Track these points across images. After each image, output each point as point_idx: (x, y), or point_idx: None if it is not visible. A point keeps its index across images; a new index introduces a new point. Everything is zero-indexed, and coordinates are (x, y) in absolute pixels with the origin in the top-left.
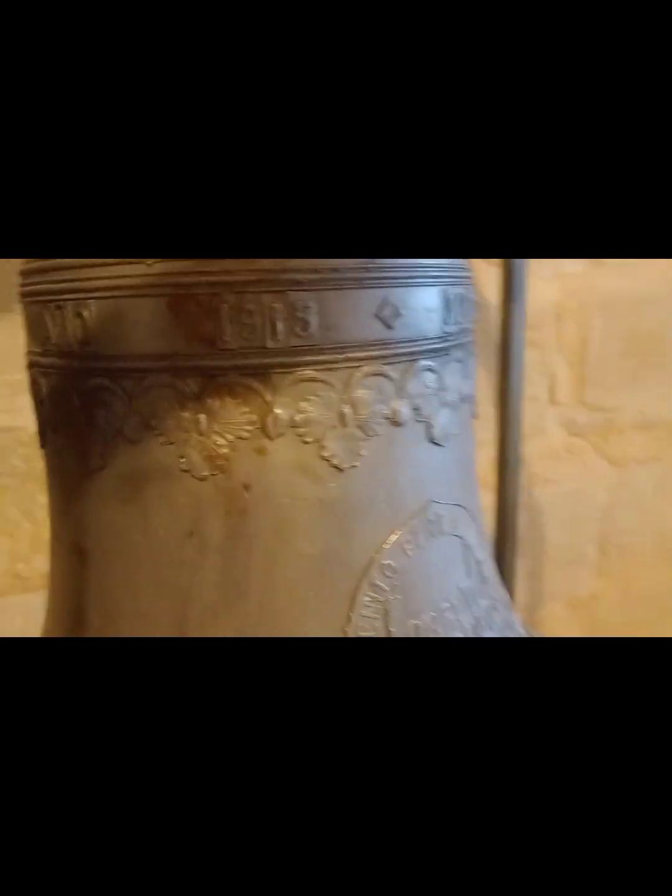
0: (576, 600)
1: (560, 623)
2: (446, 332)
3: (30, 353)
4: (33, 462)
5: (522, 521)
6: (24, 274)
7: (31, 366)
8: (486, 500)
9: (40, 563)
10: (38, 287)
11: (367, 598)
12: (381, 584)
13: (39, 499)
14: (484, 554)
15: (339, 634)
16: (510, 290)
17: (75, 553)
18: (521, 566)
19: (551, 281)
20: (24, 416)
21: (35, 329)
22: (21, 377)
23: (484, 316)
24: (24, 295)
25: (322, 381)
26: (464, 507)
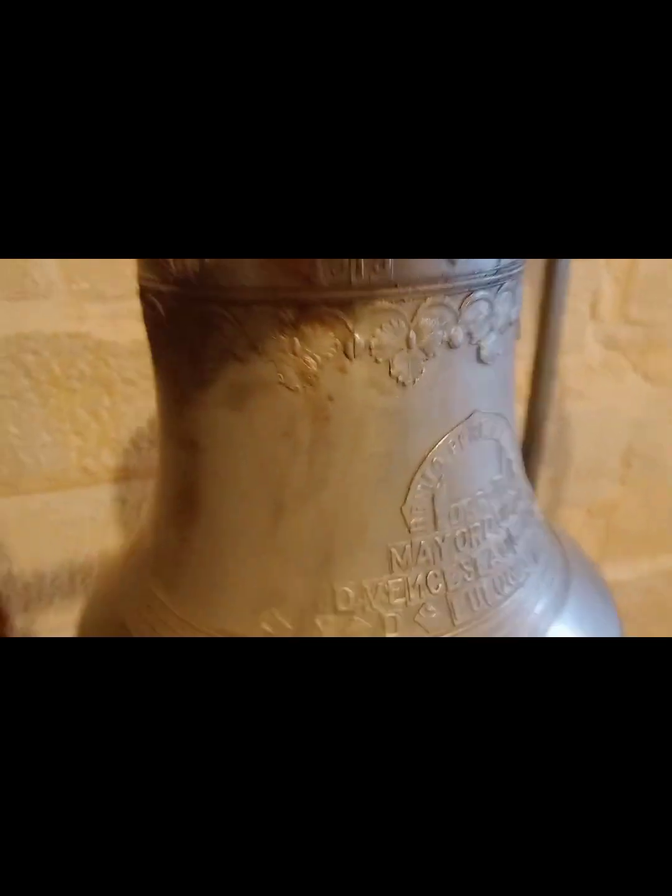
0: (595, 507)
1: (577, 527)
2: (500, 267)
3: (145, 279)
4: (99, 368)
5: (551, 432)
6: None
7: (147, 291)
8: (519, 410)
9: (107, 457)
10: None
11: (420, 487)
12: (431, 476)
13: (104, 400)
14: (515, 454)
15: (397, 514)
16: None
17: (189, 446)
18: (544, 473)
19: None
20: (90, 323)
21: (153, 262)
22: (88, 286)
23: None
24: None
25: (394, 311)
26: (502, 415)
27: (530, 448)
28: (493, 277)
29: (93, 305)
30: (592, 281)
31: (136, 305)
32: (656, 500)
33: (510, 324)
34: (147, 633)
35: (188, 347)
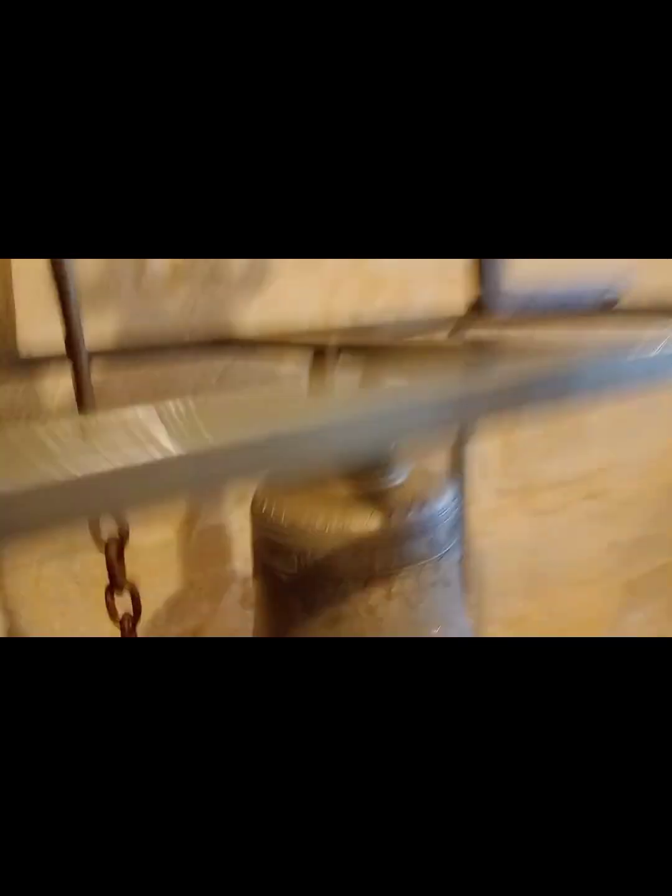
0: (508, 620)
1: (498, 631)
2: (450, 547)
3: (272, 564)
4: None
5: (469, 566)
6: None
7: (273, 570)
8: None
9: None
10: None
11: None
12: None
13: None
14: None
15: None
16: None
17: None
18: (469, 600)
19: None
20: None
21: (277, 554)
22: None
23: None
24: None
25: (407, 576)
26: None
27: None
28: (442, 557)
29: None
30: (477, 453)
31: None
32: (555, 608)
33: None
34: None
35: (300, 597)
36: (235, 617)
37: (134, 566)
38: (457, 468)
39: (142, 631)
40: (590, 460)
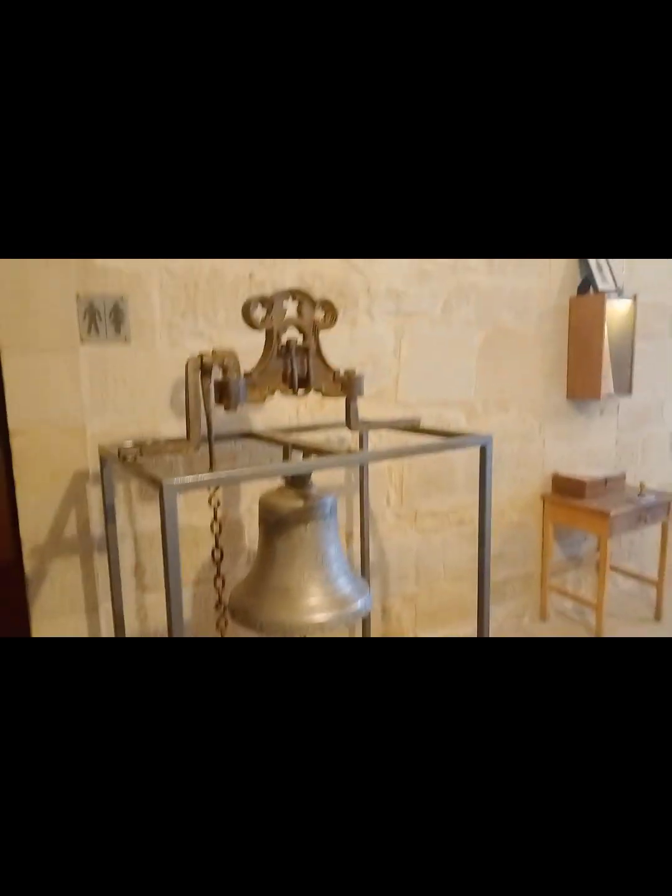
0: (406, 596)
1: (398, 608)
2: (328, 516)
3: (262, 518)
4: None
5: (377, 559)
6: None
7: (261, 523)
8: (358, 548)
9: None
10: None
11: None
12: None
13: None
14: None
15: (320, 567)
16: (365, 466)
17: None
18: (376, 581)
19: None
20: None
21: (268, 515)
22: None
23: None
24: None
25: (314, 522)
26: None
27: (365, 566)
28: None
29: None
30: (383, 491)
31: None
32: (436, 593)
33: (335, 522)
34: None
35: (275, 532)
36: (243, 569)
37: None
38: (364, 497)
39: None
40: (456, 500)
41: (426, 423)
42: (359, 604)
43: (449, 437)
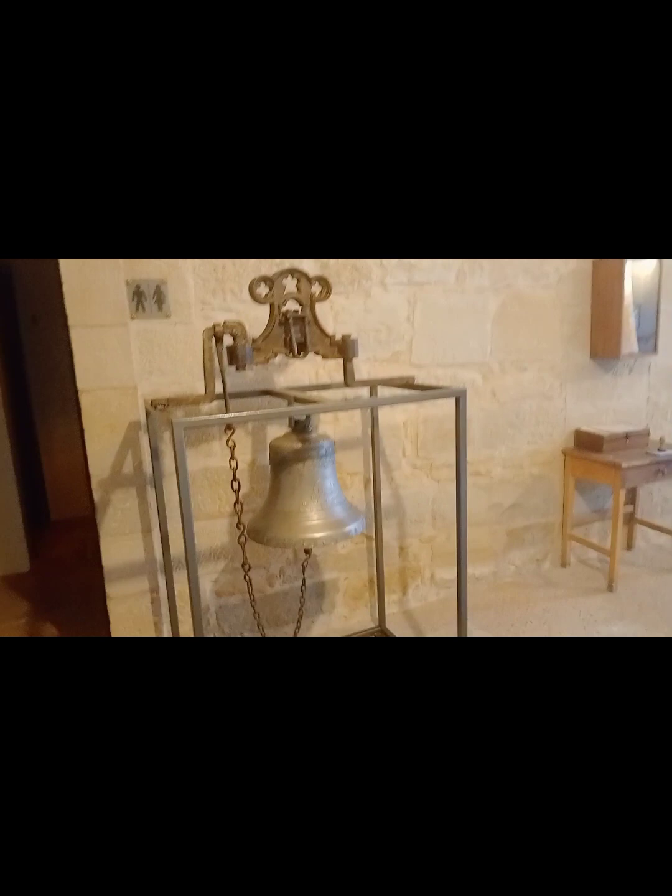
0: (423, 538)
1: (415, 548)
2: (327, 456)
3: (272, 457)
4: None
5: (394, 504)
6: None
7: (271, 460)
8: (370, 493)
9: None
10: None
11: (318, 492)
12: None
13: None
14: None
15: (318, 495)
16: (375, 419)
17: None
18: (392, 522)
19: (400, 412)
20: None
21: (276, 455)
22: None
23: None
24: None
25: (314, 459)
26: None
27: (377, 508)
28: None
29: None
30: (400, 444)
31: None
32: (452, 535)
33: (332, 461)
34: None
35: (282, 467)
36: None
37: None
38: (376, 446)
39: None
40: (475, 453)
41: (441, 382)
42: (350, 526)
43: (424, 390)
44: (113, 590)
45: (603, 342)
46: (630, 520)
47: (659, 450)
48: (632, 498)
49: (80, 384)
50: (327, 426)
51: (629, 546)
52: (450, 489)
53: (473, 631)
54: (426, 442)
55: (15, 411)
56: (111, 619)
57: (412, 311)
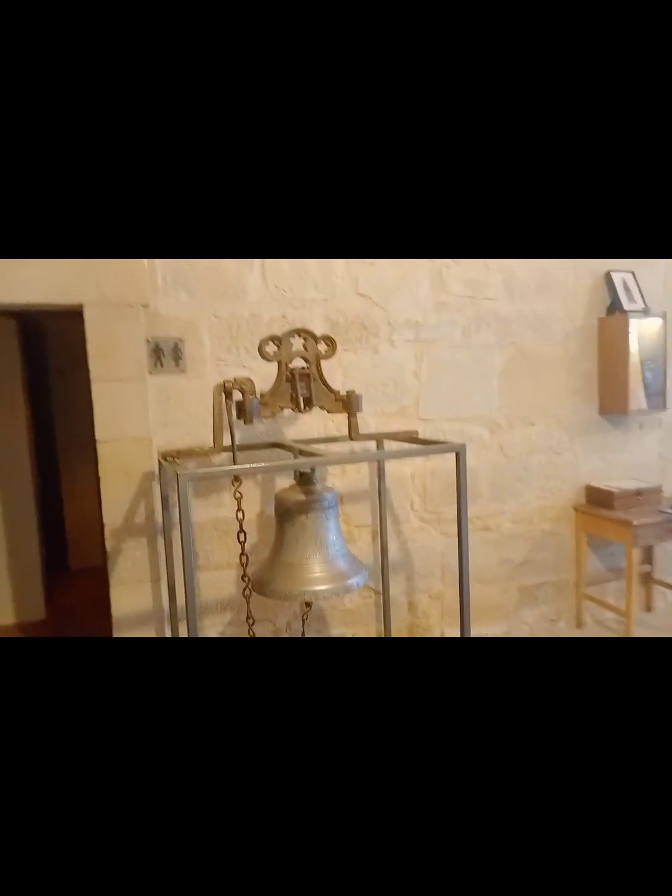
0: (432, 594)
1: (424, 605)
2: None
3: (277, 509)
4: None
5: (402, 558)
6: None
7: (276, 512)
8: (377, 546)
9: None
10: None
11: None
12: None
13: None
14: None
15: (321, 549)
16: (381, 471)
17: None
18: (400, 577)
19: (408, 464)
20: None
21: (280, 507)
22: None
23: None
24: None
25: (317, 512)
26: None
27: (384, 562)
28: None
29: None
30: (408, 498)
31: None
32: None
33: (336, 515)
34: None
35: (286, 519)
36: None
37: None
38: (382, 499)
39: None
40: (483, 507)
41: (448, 436)
42: (352, 580)
43: (426, 444)
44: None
45: (611, 398)
46: (648, 579)
47: (671, 507)
48: (649, 557)
49: (98, 434)
50: (335, 478)
51: (648, 607)
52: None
53: None
54: (434, 495)
55: (40, 460)
56: None
57: (419, 366)
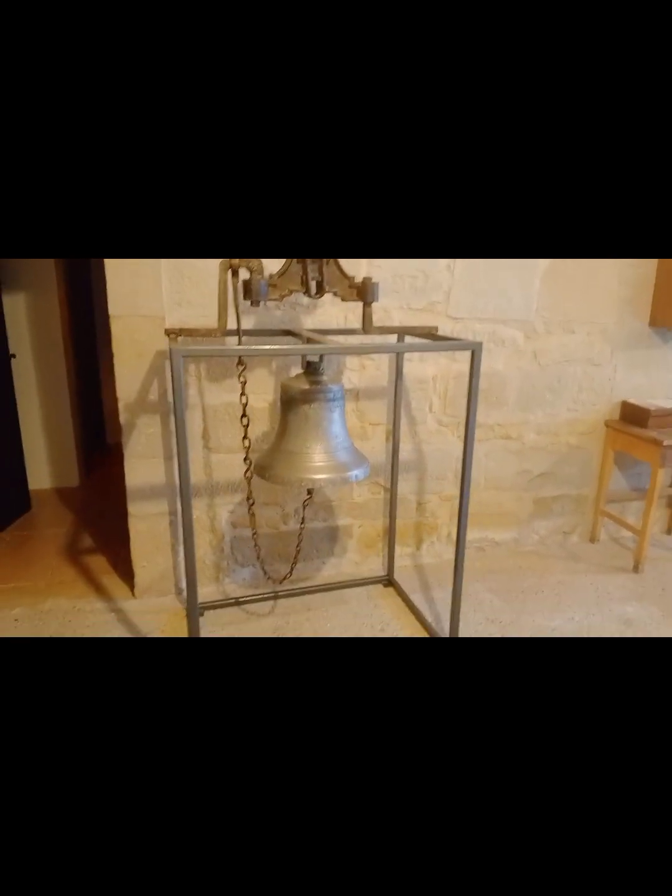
0: (443, 496)
1: (434, 506)
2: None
3: (282, 396)
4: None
5: (416, 459)
6: None
7: (281, 399)
8: (387, 447)
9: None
10: None
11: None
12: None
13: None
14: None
15: (324, 438)
16: (400, 369)
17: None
18: (412, 477)
19: (431, 365)
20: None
21: (286, 393)
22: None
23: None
24: None
25: (321, 403)
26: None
27: (395, 459)
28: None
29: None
30: (428, 400)
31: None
32: (477, 498)
33: (342, 407)
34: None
35: (291, 406)
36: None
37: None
38: (398, 395)
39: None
40: (507, 416)
41: (478, 338)
42: (352, 472)
43: (440, 341)
44: (135, 508)
45: (666, 309)
46: (649, 494)
47: None
48: None
49: (111, 310)
50: (353, 373)
51: (669, 530)
52: (480, 451)
53: (481, 592)
54: (455, 399)
55: (77, 341)
56: (131, 535)
57: (453, 259)
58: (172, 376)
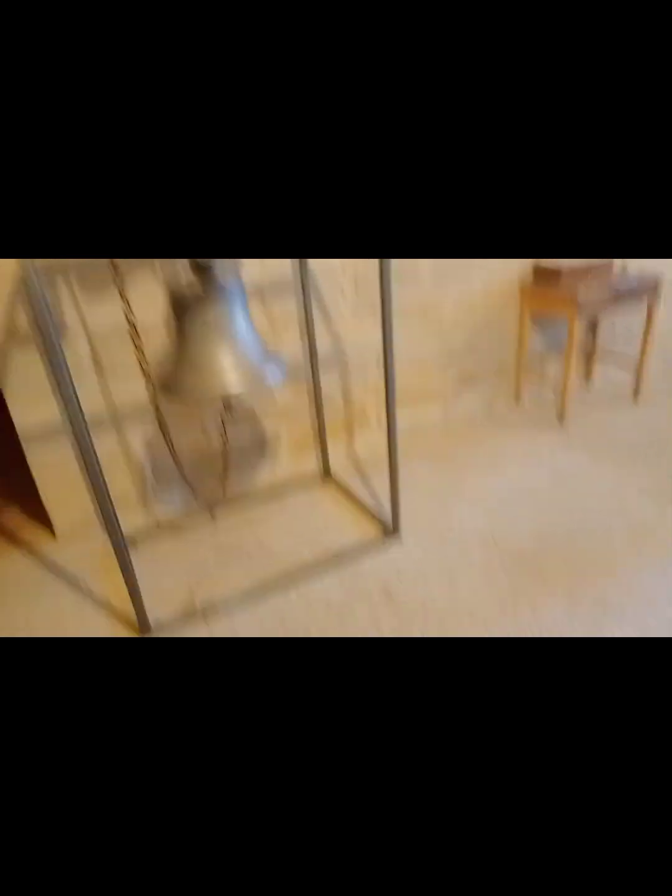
0: (367, 386)
1: (360, 397)
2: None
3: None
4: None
5: (335, 353)
6: None
7: (174, 296)
8: (304, 344)
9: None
10: None
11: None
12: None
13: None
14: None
15: (231, 339)
16: (302, 267)
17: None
18: (335, 373)
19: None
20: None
21: (176, 302)
22: None
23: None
24: None
25: (219, 304)
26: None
27: (313, 354)
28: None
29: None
30: (337, 287)
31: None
32: (403, 381)
33: (243, 306)
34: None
35: (182, 314)
36: None
37: None
38: (306, 289)
39: None
40: (423, 295)
41: None
42: (270, 375)
43: None
44: (34, 454)
45: None
46: (590, 355)
47: (619, 279)
48: (593, 333)
49: None
50: (252, 268)
51: (587, 377)
52: (399, 334)
53: (418, 470)
54: (368, 281)
55: None
56: (37, 481)
57: None
58: (29, 293)
